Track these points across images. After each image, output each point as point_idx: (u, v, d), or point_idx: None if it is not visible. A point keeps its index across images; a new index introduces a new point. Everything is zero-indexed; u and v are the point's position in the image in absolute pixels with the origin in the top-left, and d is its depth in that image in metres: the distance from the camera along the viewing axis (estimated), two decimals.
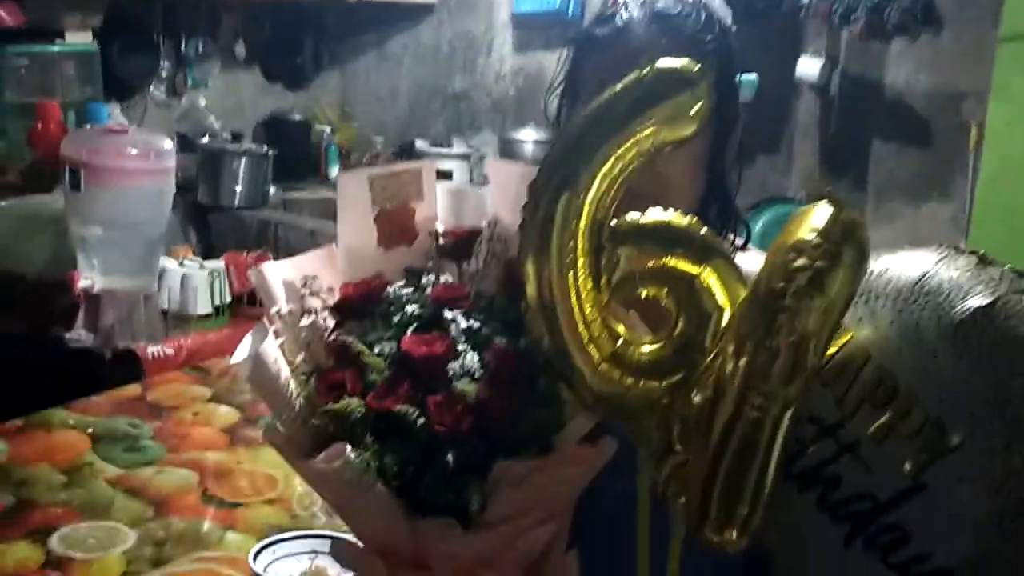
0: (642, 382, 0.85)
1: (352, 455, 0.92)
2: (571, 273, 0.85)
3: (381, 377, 0.97)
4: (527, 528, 0.96)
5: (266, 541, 1.73)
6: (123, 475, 2.06)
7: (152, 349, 3.15)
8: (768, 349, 0.75)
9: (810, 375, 0.75)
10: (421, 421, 0.93)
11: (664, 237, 0.85)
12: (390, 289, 1.02)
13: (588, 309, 0.85)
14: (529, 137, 4.60)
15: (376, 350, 0.99)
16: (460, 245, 1.06)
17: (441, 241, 1.06)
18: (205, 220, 4.48)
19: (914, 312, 0.80)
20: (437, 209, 1.07)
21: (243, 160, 4.48)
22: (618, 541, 1.16)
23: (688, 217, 0.87)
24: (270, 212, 4.47)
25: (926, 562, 0.77)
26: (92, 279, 3.19)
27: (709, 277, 0.84)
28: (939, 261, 0.82)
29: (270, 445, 1.01)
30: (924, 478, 0.77)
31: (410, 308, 1.00)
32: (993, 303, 0.78)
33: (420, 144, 4.98)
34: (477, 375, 0.95)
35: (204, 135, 4.74)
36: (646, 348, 0.86)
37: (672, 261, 0.84)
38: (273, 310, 1.03)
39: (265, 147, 4.63)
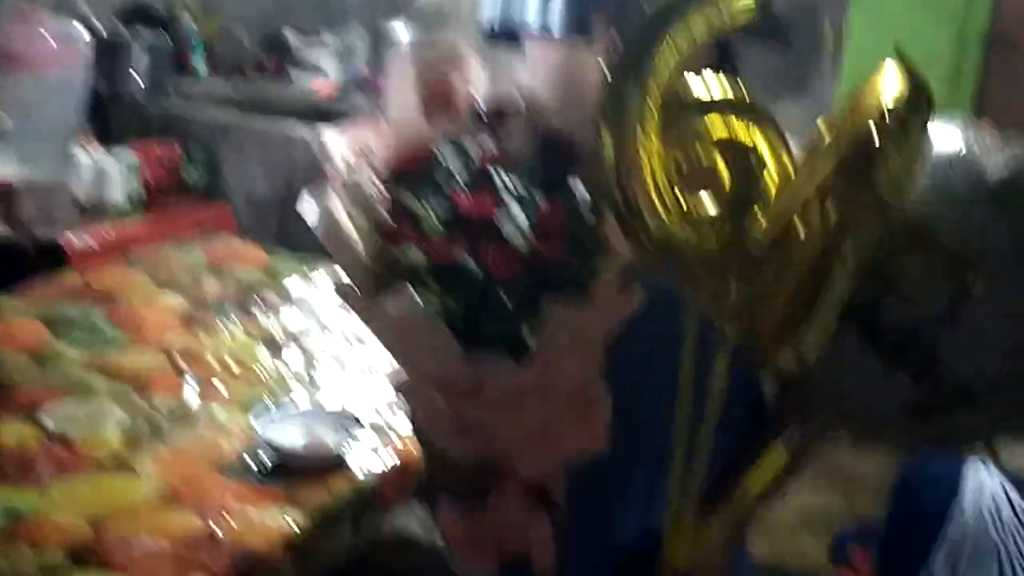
0: (699, 233, 1.07)
1: (419, 300, 1.11)
2: (644, 139, 1.05)
3: (437, 233, 1.16)
4: (569, 361, 1.17)
5: (264, 411, 1.92)
6: (92, 357, 2.22)
7: (76, 240, 3.25)
8: (860, 193, 0.97)
9: (888, 222, 0.98)
10: (479, 270, 1.13)
11: (727, 107, 1.06)
12: (439, 156, 1.21)
13: (658, 172, 1.06)
14: (401, 31, 4.73)
15: (430, 211, 1.18)
16: (498, 116, 1.25)
17: (480, 114, 1.25)
18: (104, 111, 4.52)
19: (948, 175, 1.03)
20: (475, 83, 1.26)
21: (141, 49, 4.51)
22: (658, 374, 1.38)
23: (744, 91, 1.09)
24: (171, 102, 4.53)
25: (954, 380, 1.01)
26: (7, 170, 3.26)
27: (763, 146, 1.06)
28: (965, 131, 1.05)
29: (340, 299, 1.20)
30: (957, 310, 1.01)
31: (459, 173, 1.19)
32: (1021, 171, 1.02)
33: (289, 35, 5.04)
34: (525, 230, 1.15)
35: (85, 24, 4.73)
36: (704, 206, 1.08)
37: (733, 130, 1.06)
38: (335, 174, 1.21)
39: (165, 36, 4.65)
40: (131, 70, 4.46)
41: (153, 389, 2.10)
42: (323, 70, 4.98)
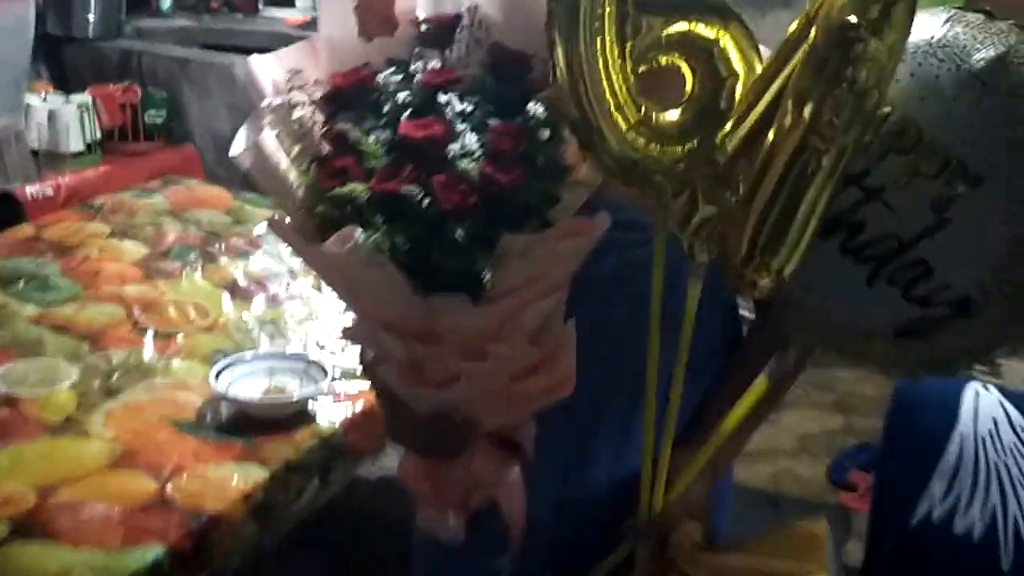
0: (664, 147, 0.96)
1: (362, 237, 1.01)
2: (599, 41, 0.95)
3: (380, 163, 1.06)
4: (531, 300, 1.08)
5: (224, 362, 1.83)
6: (44, 313, 2.12)
7: (30, 190, 3.14)
8: (838, 90, 0.86)
9: (869, 121, 0.88)
10: (427, 201, 1.03)
11: (686, 4, 0.96)
12: (380, 77, 1.10)
13: (615, 78, 0.95)
14: None
15: (372, 138, 1.07)
16: (442, 33, 1.14)
17: (423, 29, 1.14)
18: (58, 53, 4.38)
19: (932, 65, 0.92)
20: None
21: None
22: (627, 307, 1.28)
23: None
24: (129, 42, 4.39)
25: (946, 291, 0.92)
26: None
27: (728, 43, 0.95)
28: (948, 20, 0.94)
29: (277, 237, 1.09)
30: (946, 214, 0.91)
31: (402, 95, 1.09)
32: (1007, 52, 0.91)
33: None
34: (477, 155, 1.05)
35: None
36: (668, 115, 0.98)
37: (693, 26, 0.95)
38: (263, 103, 1.10)
39: None
40: (86, 10, 4.33)
41: (108, 344, 2.00)
42: (294, 3, 4.84)
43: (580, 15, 0.94)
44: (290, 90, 1.12)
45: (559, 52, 0.98)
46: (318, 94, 1.12)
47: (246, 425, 1.73)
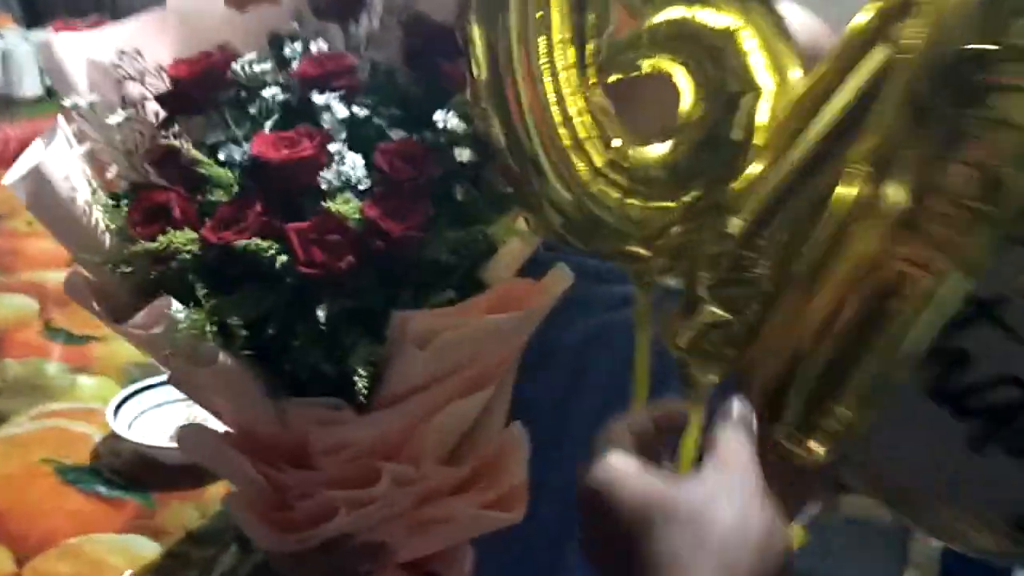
0: (647, 201, 0.63)
1: (181, 314, 0.69)
2: (542, 39, 0.61)
3: (227, 196, 0.73)
4: (446, 401, 0.75)
5: (130, 390, 1.51)
6: None
7: None
8: (953, 165, 0.52)
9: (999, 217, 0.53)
10: (282, 259, 0.70)
11: None
12: (237, 65, 0.77)
13: (570, 96, 0.62)
14: None
15: (221, 156, 0.75)
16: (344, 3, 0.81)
17: None
18: None
19: None
20: None
21: None
22: (595, 384, 0.96)
23: None
24: None
25: None
26: None
27: (748, 38, 0.60)
28: None
29: (72, 299, 0.78)
30: None
31: (269, 92, 0.76)
32: None
33: None
34: (363, 186, 0.72)
35: None
36: (652, 151, 0.63)
37: (694, 10, 0.61)
38: (68, 102, 0.77)
39: None
40: None
41: (9, 350, 1.70)
42: None
43: None
44: (118, 81, 0.79)
45: (477, 50, 0.65)
46: (155, 88, 0.79)
47: (150, 474, 1.41)
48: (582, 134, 0.62)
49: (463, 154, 0.72)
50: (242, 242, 0.70)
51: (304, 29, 0.81)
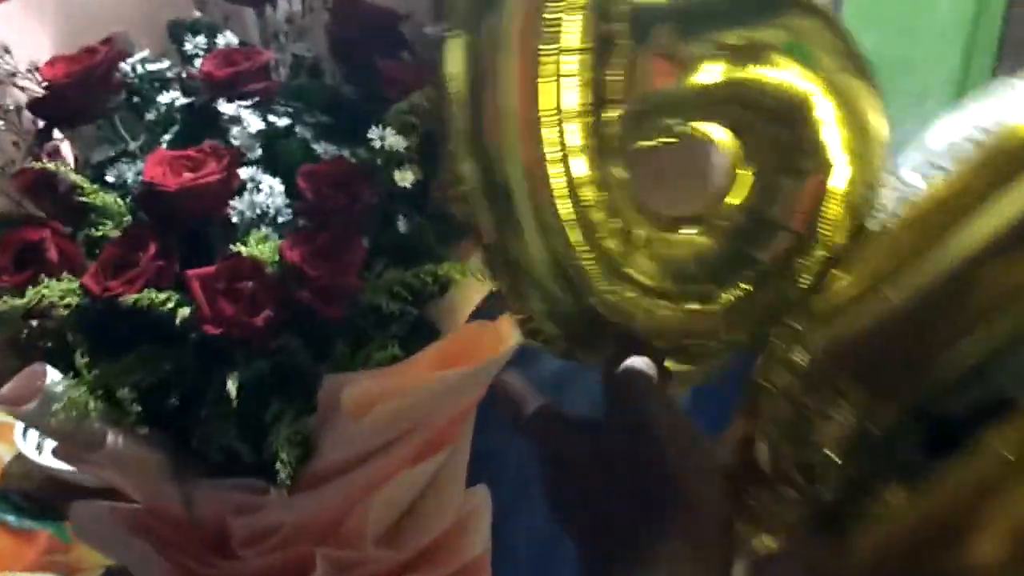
0: (676, 303, 0.50)
1: (59, 387, 0.56)
2: (550, 65, 0.48)
3: (116, 232, 0.60)
4: (391, 472, 0.63)
5: None
6: None
7: None
8: None
9: None
10: (184, 314, 0.57)
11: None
12: (128, 64, 0.64)
13: (577, 154, 0.49)
14: None
15: (111, 178, 0.62)
16: None
17: None
18: None
19: None
20: None
21: None
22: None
23: None
24: None
25: None
26: None
27: (823, 108, 0.47)
28: None
29: None
30: None
31: (167, 97, 0.63)
32: None
33: None
34: (283, 218, 0.59)
35: None
36: (682, 234, 0.50)
37: (762, 72, 0.47)
38: None
39: None
40: None
41: None
42: None
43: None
44: None
45: (457, 70, 0.52)
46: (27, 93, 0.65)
47: (65, 500, 1.28)
48: (594, 216, 0.49)
49: (405, 177, 0.59)
50: (135, 293, 0.56)
51: (208, 14, 0.68)
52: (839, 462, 0.45)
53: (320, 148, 0.62)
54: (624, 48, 0.47)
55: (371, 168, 0.59)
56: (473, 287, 0.63)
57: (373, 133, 0.59)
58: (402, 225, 0.60)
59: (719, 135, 0.49)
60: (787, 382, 0.47)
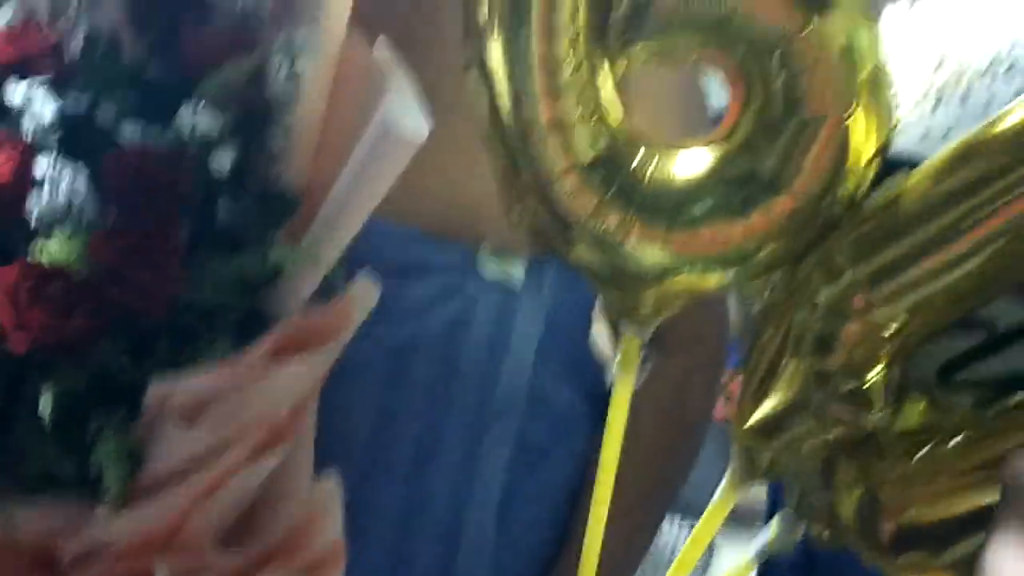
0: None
1: None
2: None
3: None
4: (228, 473, 0.60)
5: None
6: None
7: None
8: None
9: None
10: None
11: None
12: None
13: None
14: None
15: None
16: None
17: None
18: None
19: None
20: None
21: None
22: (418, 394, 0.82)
23: None
24: None
25: None
26: None
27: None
28: None
29: None
30: None
31: None
32: None
33: None
34: (87, 218, 0.55)
35: None
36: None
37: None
38: None
39: None
40: None
41: None
42: None
43: None
44: None
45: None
46: None
47: None
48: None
49: (223, 160, 0.56)
50: None
51: None
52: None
53: (125, 133, 0.58)
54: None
55: (183, 153, 0.56)
56: (307, 269, 0.61)
57: (183, 116, 0.55)
58: (222, 211, 0.57)
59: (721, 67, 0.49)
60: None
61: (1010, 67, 0.54)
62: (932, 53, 0.82)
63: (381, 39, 0.61)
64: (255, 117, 0.57)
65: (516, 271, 0.78)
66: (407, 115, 0.58)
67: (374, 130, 0.58)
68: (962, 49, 0.71)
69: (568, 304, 0.80)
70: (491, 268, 0.78)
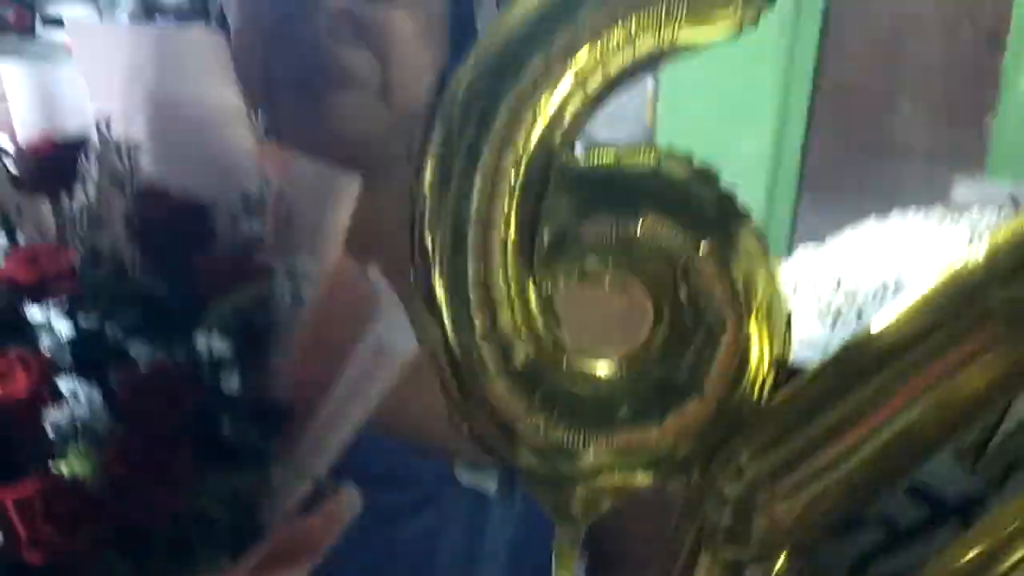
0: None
1: None
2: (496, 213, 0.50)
3: None
4: None
5: None
6: None
7: None
8: None
9: None
10: None
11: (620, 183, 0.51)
12: None
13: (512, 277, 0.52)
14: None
15: None
16: (55, 165, 0.67)
17: (16, 165, 0.67)
18: None
19: None
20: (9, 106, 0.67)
21: None
22: None
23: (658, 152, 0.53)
24: None
25: None
26: None
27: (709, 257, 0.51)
28: None
29: None
30: None
31: None
32: None
33: None
34: (103, 431, 0.58)
35: None
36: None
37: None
38: None
39: None
40: None
41: None
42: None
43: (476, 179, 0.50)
44: None
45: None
46: None
47: None
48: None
49: (231, 381, 0.60)
50: None
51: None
52: None
53: (132, 349, 0.61)
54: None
55: (195, 373, 0.60)
56: (300, 482, 0.64)
57: (199, 340, 0.59)
58: (226, 428, 0.61)
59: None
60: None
61: (896, 290, 0.60)
62: (831, 277, 0.91)
63: (373, 264, 0.66)
64: (260, 339, 0.61)
65: (490, 481, 0.82)
66: (399, 333, 0.62)
67: (368, 348, 0.63)
68: (857, 274, 0.79)
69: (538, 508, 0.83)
70: (467, 478, 0.81)
